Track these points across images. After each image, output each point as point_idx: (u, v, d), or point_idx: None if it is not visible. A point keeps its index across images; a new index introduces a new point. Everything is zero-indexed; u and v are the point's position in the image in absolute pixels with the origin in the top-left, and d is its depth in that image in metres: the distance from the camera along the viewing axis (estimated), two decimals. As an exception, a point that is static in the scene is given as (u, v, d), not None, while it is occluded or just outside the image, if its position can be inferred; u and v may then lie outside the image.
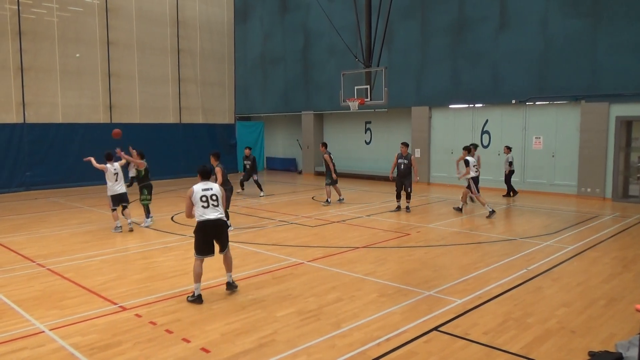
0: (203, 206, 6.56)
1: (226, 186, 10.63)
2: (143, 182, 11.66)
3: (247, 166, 16.89)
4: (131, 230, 10.91)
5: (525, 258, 8.57)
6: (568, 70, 15.78)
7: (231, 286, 6.87)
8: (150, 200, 11.69)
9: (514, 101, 17.09)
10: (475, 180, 12.73)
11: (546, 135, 16.60)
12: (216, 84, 23.70)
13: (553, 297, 6.62)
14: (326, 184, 14.54)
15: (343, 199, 14.95)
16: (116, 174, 10.92)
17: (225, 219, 6.89)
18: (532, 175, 17.02)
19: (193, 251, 6.67)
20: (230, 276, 6.93)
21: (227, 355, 4.95)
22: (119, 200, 10.98)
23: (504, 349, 5.05)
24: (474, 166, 12.73)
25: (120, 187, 10.96)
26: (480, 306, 6.24)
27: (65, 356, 4.94)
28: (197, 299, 6.43)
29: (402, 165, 13.27)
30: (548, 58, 16.19)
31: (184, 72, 22.24)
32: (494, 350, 5.03)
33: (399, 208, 13.47)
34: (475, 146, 13.55)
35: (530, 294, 6.75)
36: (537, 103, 16.73)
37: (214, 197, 6.64)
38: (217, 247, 6.72)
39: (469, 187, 12.83)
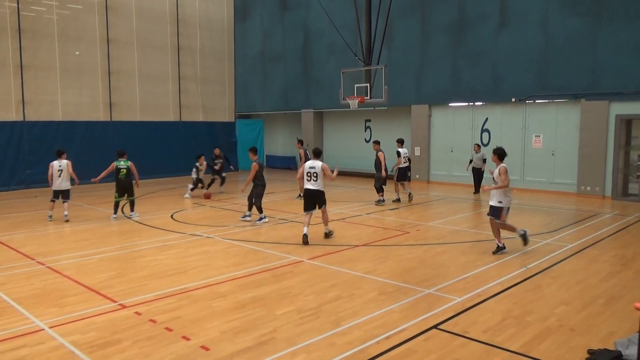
0: (306, 179, 9.64)
1: (259, 182, 11.44)
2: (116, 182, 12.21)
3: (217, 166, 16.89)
4: (67, 221, 11.74)
5: (525, 256, 8.58)
6: (568, 69, 15.77)
7: (327, 235, 9.83)
8: (117, 198, 12.17)
9: (513, 99, 17.08)
10: (403, 170, 14.49)
11: (546, 134, 16.59)
12: (216, 81, 23.68)
13: (552, 295, 6.63)
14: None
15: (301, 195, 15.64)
16: (60, 170, 11.74)
17: (320, 189, 9.57)
18: (531, 173, 17.01)
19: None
20: (327, 228, 9.90)
21: (226, 353, 4.95)
22: (59, 195, 11.80)
23: (503, 347, 5.05)
24: (404, 157, 14.43)
25: (62, 184, 11.75)
26: (479, 304, 6.25)
27: (64, 354, 4.94)
28: (304, 238, 9.26)
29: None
30: (548, 57, 16.17)
31: (184, 70, 22.22)
32: (493, 348, 5.03)
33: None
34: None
35: (530, 292, 6.75)
36: (537, 101, 16.72)
37: (314, 174, 9.53)
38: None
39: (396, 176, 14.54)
